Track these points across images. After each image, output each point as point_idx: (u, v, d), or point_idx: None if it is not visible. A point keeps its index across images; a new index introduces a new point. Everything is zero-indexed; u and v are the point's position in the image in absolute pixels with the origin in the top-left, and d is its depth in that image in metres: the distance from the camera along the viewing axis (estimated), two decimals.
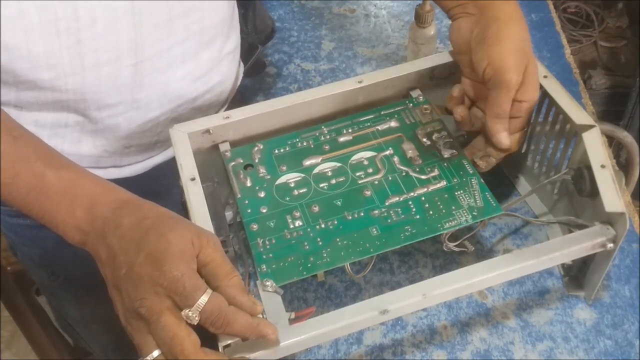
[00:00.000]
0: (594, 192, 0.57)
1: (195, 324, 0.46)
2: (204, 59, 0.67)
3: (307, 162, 0.65)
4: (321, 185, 0.63)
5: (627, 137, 0.64)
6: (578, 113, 0.60)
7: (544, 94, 0.63)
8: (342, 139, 0.67)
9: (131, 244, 0.48)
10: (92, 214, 0.51)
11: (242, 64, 0.79)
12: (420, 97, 0.70)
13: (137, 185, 0.65)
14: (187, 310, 0.46)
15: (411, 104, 0.70)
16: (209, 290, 0.47)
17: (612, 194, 0.55)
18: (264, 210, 0.61)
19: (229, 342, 0.48)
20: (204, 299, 0.46)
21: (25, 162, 0.51)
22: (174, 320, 0.46)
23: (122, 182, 0.64)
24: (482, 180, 0.63)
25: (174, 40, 0.63)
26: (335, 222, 0.60)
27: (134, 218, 0.49)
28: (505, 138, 0.61)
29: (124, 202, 0.52)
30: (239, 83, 0.78)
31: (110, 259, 0.49)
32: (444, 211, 0.61)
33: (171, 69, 0.65)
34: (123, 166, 0.71)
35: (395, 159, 0.65)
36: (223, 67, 0.72)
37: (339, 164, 0.65)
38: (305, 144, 0.66)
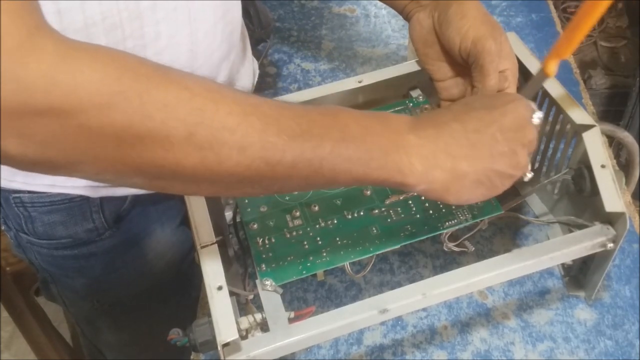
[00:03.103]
0: (594, 192, 0.57)
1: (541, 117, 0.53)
2: (231, 60, 0.67)
3: None
4: None
5: (627, 137, 0.64)
6: (578, 113, 0.60)
7: (544, 94, 0.63)
8: None
9: (475, 142, 0.50)
10: (401, 146, 0.48)
11: (255, 60, 0.79)
12: (420, 97, 0.70)
13: (174, 195, 0.65)
14: (535, 114, 0.52)
15: (411, 104, 0.70)
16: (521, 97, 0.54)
17: (612, 194, 0.55)
18: (264, 210, 0.61)
19: (229, 340, 0.48)
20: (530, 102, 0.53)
21: (342, 111, 0.47)
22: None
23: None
24: None
25: (215, 45, 0.62)
26: (335, 222, 0.60)
27: (442, 124, 0.50)
28: None
29: (408, 121, 0.50)
30: (256, 79, 0.78)
31: (460, 173, 0.49)
32: (444, 210, 0.60)
33: (213, 74, 0.64)
34: None
35: None
36: (245, 65, 0.72)
37: None
38: None
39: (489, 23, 0.59)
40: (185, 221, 0.78)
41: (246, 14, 0.83)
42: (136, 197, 0.70)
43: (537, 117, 0.52)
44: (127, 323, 0.83)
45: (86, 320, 0.85)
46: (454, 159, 0.49)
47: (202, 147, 0.40)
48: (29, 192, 0.65)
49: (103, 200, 0.67)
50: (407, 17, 0.66)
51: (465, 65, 0.61)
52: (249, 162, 0.42)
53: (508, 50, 0.59)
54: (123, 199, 0.69)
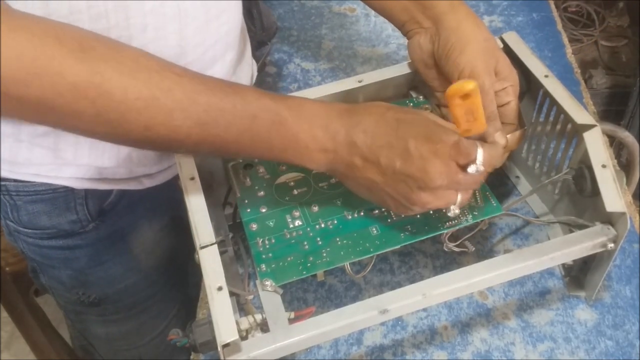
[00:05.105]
0: (595, 192, 0.57)
1: (482, 171, 0.53)
2: (227, 61, 0.67)
3: None
4: (321, 184, 0.63)
5: (628, 137, 0.64)
6: (579, 113, 0.60)
7: (545, 94, 0.63)
8: None
9: (390, 138, 0.51)
10: (330, 131, 0.52)
11: (254, 62, 0.79)
12: (420, 97, 0.70)
13: (162, 194, 0.67)
14: (473, 165, 0.52)
15: (411, 104, 0.69)
16: (477, 143, 0.52)
17: (613, 194, 0.55)
18: (264, 210, 0.61)
19: (229, 341, 0.48)
20: (480, 151, 0.52)
21: (256, 100, 0.51)
22: (466, 173, 0.52)
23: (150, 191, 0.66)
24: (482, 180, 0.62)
25: (208, 44, 0.62)
26: (335, 222, 0.60)
27: (374, 117, 0.53)
28: (500, 137, 0.60)
29: (348, 110, 0.54)
30: (254, 82, 0.78)
31: (371, 161, 0.52)
32: (444, 211, 0.60)
33: (205, 73, 0.64)
34: (153, 174, 0.70)
35: None
36: (243, 67, 0.72)
37: None
38: None
39: (486, 54, 0.60)
40: (175, 219, 0.77)
41: (248, 15, 0.83)
42: (122, 192, 0.70)
43: (474, 169, 0.52)
44: (115, 317, 0.83)
45: (74, 312, 0.85)
46: (352, 155, 0.52)
47: (110, 123, 0.46)
48: (15, 180, 0.65)
49: (87, 192, 0.67)
50: (405, 35, 0.66)
51: None
52: (154, 138, 0.48)
53: (507, 70, 0.60)
54: (108, 192, 0.69)
